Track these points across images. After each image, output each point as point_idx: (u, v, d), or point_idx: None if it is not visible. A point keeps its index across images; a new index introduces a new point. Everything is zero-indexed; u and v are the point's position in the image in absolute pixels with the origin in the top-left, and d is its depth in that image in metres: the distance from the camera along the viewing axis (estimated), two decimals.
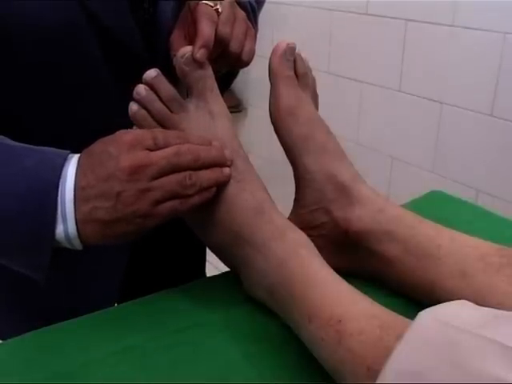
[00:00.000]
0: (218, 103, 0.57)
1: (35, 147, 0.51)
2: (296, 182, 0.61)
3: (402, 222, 0.55)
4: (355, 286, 0.47)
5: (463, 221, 0.56)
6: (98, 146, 0.51)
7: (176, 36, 0.62)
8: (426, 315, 0.38)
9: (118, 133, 0.51)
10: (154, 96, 0.55)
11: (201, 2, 0.58)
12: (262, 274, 0.52)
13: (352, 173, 0.59)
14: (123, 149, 0.49)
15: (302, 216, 0.60)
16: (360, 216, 0.56)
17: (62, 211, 0.48)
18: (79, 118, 0.61)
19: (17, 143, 0.51)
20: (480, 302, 0.47)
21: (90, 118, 0.61)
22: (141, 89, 0.55)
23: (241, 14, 0.63)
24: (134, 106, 0.55)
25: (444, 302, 0.47)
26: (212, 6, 0.58)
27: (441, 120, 1.58)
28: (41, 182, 0.48)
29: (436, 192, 0.82)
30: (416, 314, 0.39)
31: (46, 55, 0.56)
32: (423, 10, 1.55)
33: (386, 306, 0.44)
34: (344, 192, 0.57)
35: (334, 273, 0.49)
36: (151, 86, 0.55)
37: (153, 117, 0.55)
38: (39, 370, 0.47)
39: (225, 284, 0.57)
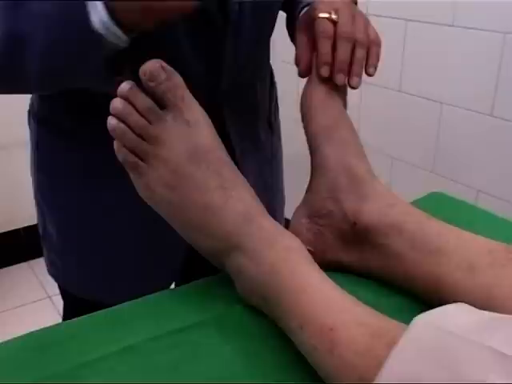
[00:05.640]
0: (193, 111, 0.55)
1: None
2: (312, 171, 0.62)
3: (411, 218, 0.55)
4: (355, 285, 0.47)
5: (464, 222, 0.56)
6: None
7: (300, 40, 0.67)
8: (421, 321, 0.38)
9: None
10: (130, 109, 0.54)
11: (318, 18, 0.64)
12: (254, 281, 0.52)
13: (368, 169, 0.60)
14: None
15: (312, 203, 0.60)
16: (370, 209, 0.56)
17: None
18: None
19: None
20: (486, 295, 0.48)
21: None
22: (117, 103, 0.54)
23: (360, 17, 0.66)
24: (112, 121, 0.54)
25: (449, 296, 0.47)
26: (328, 18, 0.63)
27: (441, 120, 1.58)
28: None
29: (437, 193, 0.82)
30: (416, 314, 0.39)
31: None
32: (423, 9, 1.55)
33: (387, 306, 0.44)
34: (357, 185, 0.58)
35: (326, 277, 0.49)
36: (127, 99, 0.54)
37: (132, 130, 0.54)
38: (39, 370, 0.47)
39: (225, 284, 0.57)
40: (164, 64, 0.53)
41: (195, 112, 0.55)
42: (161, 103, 0.53)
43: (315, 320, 0.45)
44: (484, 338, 0.35)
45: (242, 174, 0.77)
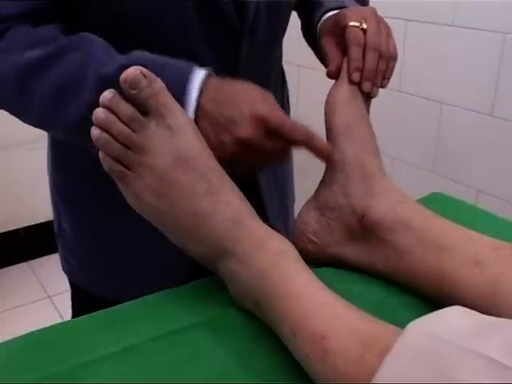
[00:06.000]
0: (175, 116, 0.54)
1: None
2: (326, 165, 0.64)
3: (418, 215, 0.56)
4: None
5: (464, 222, 0.56)
6: (229, 100, 0.58)
7: (329, 43, 0.72)
8: (415, 327, 0.38)
9: (254, 98, 0.58)
10: (113, 118, 0.53)
11: (349, 26, 0.68)
12: (246, 286, 0.52)
13: (379, 166, 0.62)
14: (252, 121, 0.57)
15: (322, 196, 0.62)
16: (378, 206, 0.57)
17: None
18: None
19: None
20: (491, 292, 0.48)
21: None
22: (99, 113, 0.53)
23: (383, 27, 0.70)
24: (95, 131, 0.54)
25: (454, 293, 0.47)
26: (358, 26, 0.67)
27: (441, 120, 1.58)
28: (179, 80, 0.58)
29: (437, 194, 0.82)
30: (427, 312, 0.39)
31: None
32: (423, 9, 1.55)
33: (387, 305, 0.44)
34: (368, 181, 0.59)
35: (317, 281, 0.49)
36: (109, 108, 0.53)
37: (116, 139, 0.53)
38: (39, 370, 0.47)
39: (224, 284, 0.57)
40: (144, 70, 0.52)
41: (178, 117, 0.54)
42: (143, 110, 0.53)
43: (307, 326, 0.44)
44: (477, 343, 0.35)
45: (256, 172, 0.78)
